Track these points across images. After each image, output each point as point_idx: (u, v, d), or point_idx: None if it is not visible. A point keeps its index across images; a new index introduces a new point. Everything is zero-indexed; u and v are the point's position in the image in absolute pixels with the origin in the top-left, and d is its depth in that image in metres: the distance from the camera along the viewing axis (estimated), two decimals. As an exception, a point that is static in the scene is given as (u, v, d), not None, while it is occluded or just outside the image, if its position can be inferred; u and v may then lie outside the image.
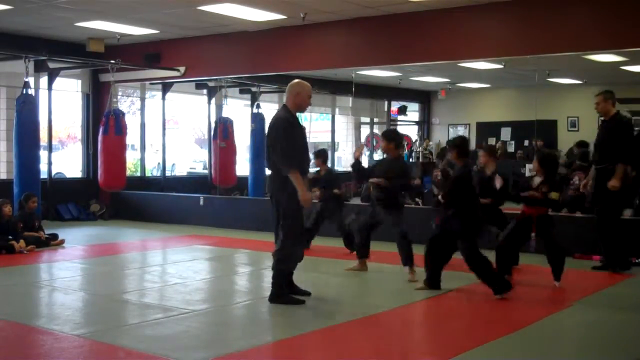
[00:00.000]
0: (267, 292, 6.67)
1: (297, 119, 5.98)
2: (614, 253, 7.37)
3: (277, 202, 5.77)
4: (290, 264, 5.89)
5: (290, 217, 5.72)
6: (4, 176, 11.51)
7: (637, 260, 7.79)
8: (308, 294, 6.03)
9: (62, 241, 9.13)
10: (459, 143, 6.38)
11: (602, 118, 7.72)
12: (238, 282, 7.20)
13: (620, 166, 7.21)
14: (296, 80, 5.93)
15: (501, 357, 4.51)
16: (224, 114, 13.09)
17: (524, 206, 6.66)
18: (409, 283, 6.68)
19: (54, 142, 12.83)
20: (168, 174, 15.02)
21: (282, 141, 5.64)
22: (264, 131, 13.47)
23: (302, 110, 6.04)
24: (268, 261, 8.00)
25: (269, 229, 10.17)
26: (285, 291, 5.85)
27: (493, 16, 9.01)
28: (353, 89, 12.76)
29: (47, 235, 9.03)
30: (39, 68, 11.19)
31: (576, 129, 17.20)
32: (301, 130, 5.90)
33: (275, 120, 5.79)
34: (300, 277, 7.16)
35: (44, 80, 11.65)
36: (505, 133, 17.02)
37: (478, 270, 6.11)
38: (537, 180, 6.63)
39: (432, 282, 6.31)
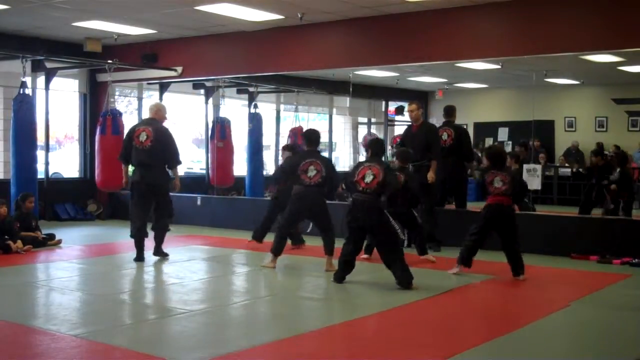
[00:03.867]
0: (265, 292, 6.69)
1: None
2: (432, 234, 8.69)
3: (161, 188, 7.94)
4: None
5: (169, 198, 8.11)
6: (1, 176, 11.49)
7: (635, 260, 7.81)
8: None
9: (60, 241, 9.12)
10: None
11: (412, 123, 9.09)
12: (235, 282, 7.19)
13: (435, 162, 8.66)
14: (156, 102, 8.48)
15: (499, 357, 4.52)
16: (222, 114, 13.08)
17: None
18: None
19: (51, 142, 12.82)
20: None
21: (175, 144, 8.01)
22: (262, 131, 13.63)
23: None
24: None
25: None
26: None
27: (490, 16, 9.01)
28: (350, 89, 12.79)
29: (44, 235, 9.02)
30: (36, 68, 11.19)
31: (573, 129, 17.24)
32: None
33: (166, 130, 7.98)
34: (299, 278, 7.17)
35: (41, 80, 11.63)
36: (503, 133, 17.04)
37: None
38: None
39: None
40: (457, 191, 9.56)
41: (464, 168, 9.58)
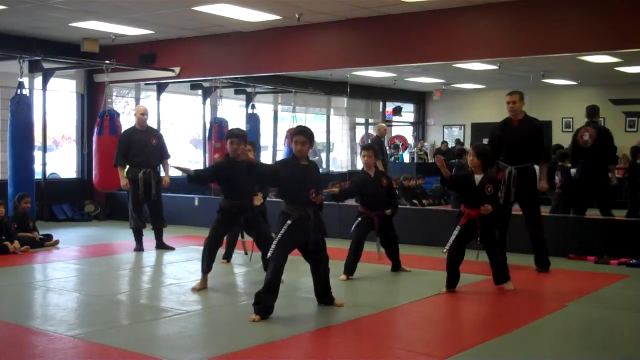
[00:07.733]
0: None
1: (138, 130, 8.77)
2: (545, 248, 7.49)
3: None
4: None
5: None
6: (-2, 177, 11.49)
7: (632, 261, 7.82)
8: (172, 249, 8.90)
9: (57, 242, 9.11)
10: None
11: (510, 117, 7.52)
12: (233, 283, 7.19)
13: (546, 166, 7.74)
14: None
15: (497, 358, 4.52)
16: (219, 115, 13.08)
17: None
18: (401, 284, 6.67)
19: (48, 143, 12.80)
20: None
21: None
22: (259, 132, 13.63)
23: (140, 124, 8.76)
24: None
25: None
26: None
27: (488, 17, 9.02)
28: (348, 89, 12.81)
29: (41, 236, 9.01)
30: (34, 68, 11.18)
31: (571, 129, 17.26)
32: (141, 136, 8.71)
33: None
34: (296, 280, 7.15)
35: (38, 80, 11.62)
36: (500, 134, 17.04)
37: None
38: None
39: None
40: (599, 195, 9.15)
41: (605, 170, 9.14)
